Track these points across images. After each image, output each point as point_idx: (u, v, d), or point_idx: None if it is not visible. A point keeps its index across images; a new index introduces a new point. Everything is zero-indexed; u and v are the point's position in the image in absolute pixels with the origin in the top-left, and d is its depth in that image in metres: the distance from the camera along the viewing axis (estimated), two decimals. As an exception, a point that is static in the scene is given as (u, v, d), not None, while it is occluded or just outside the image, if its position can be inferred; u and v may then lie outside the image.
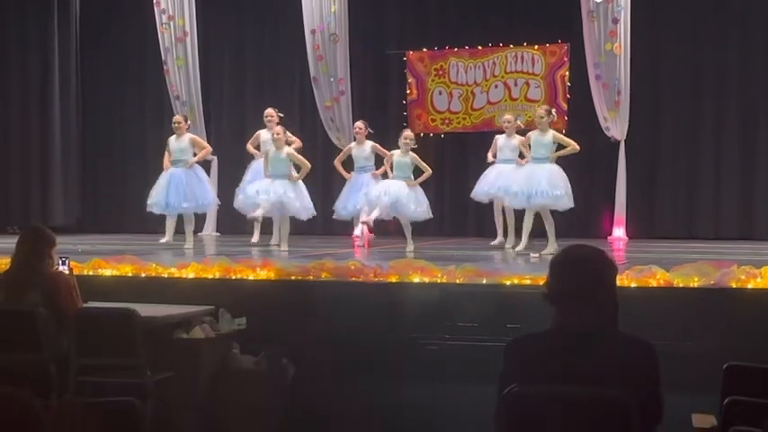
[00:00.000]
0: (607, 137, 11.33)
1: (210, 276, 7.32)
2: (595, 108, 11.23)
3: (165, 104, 12.87)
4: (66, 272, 6.05)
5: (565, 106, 12.26)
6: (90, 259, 7.71)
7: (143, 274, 7.49)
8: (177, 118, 10.61)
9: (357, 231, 10.94)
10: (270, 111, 10.90)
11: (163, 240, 10.28)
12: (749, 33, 11.64)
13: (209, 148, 10.87)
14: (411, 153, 9.90)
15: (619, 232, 11.29)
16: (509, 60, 12.49)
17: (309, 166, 10.16)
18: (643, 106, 11.58)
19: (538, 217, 9.55)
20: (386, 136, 12.66)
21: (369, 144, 10.75)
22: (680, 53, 11.80)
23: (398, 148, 9.89)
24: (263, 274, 7.25)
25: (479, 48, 12.60)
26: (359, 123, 10.90)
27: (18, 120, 13.62)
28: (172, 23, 12.39)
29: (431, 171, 10.05)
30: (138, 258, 7.81)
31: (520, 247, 9.49)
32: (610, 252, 7.74)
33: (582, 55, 11.29)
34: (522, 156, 9.87)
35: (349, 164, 10.93)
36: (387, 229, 10.71)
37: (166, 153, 10.43)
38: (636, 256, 8.79)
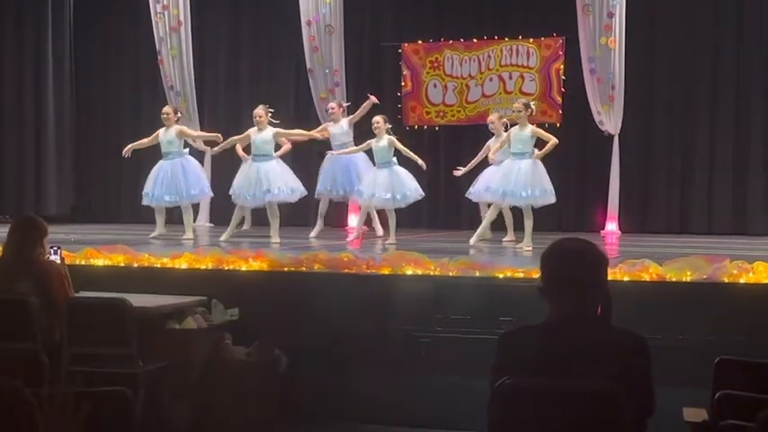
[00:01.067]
0: (601, 131, 11.33)
1: (203, 267, 7.32)
2: (589, 102, 11.23)
3: (160, 94, 12.82)
4: (58, 261, 6.05)
5: (559, 100, 12.26)
6: (82, 249, 7.69)
7: (135, 264, 7.49)
8: (166, 109, 10.58)
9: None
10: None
11: (153, 234, 10.28)
12: (744, 29, 11.64)
13: (204, 135, 10.97)
14: (387, 137, 9.90)
15: (612, 226, 11.31)
16: (504, 53, 12.48)
17: (290, 146, 10.44)
18: (637, 101, 11.58)
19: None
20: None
21: (344, 121, 10.81)
22: (674, 48, 11.80)
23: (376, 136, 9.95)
24: (255, 264, 7.25)
25: (474, 40, 12.59)
26: (332, 104, 10.94)
27: (12, 109, 13.57)
28: (166, 13, 12.34)
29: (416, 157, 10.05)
30: (130, 248, 7.79)
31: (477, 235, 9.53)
32: (602, 246, 7.74)
33: (577, 49, 11.29)
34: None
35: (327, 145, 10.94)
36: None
37: (146, 140, 10.46)
38: (629, 250, 8.80)
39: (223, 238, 9.89)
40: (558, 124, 12.18)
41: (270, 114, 10.28)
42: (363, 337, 6.59)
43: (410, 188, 9.98)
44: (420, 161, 10.01)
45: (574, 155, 12.11)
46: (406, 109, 12.88)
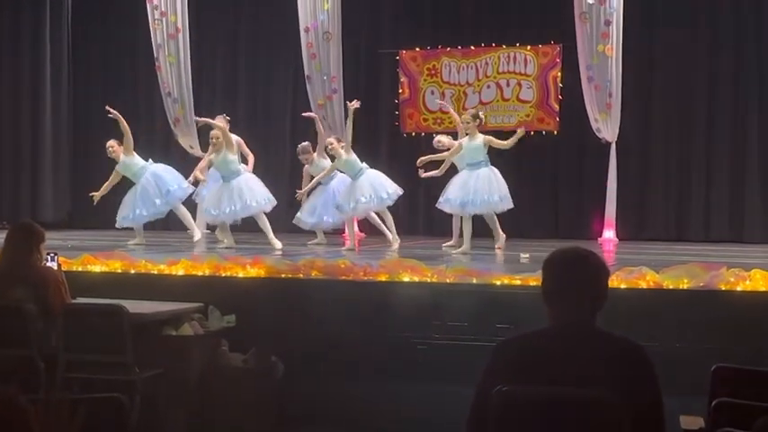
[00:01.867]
0: (598, 138, 11.34)
1: (200, 273, 7.32)
2: (587, 109, 11.23)
3: (157, 101, 12.83)
4: (55, 267, 6.04)
5: (556, 107, 12.27)
6: (79, 255, 7.69)
7: (132, 271, 7.48)
8: (111, 143, 10.66)
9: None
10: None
11: (133, 241, 10.33)
12: (741, 36, 11.66)
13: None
14: (345, 153, 9.93)
15: (609, 234, 11.30)
16: (501, 61, 12.49)
17: (252, 157, 10.48)
18: (634, 108, 11.60)
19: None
20: (378, 135, 12.70)
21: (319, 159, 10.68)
22: (672, 55, 11.82)
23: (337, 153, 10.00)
24: (253, 271, 7.25)
25: (472, 48, 12.61)
26: (302, 147, 10.76)
27: (8, 115, 13.57)
28: (164, 20, 12.34)
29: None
30: (127, 254, 7.79)
31: (461, 250, 9.54)
32: (600, 253, 7.74)
33: (574, 56, 11.30)
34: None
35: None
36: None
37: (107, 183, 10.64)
38: (626, 257, 8.80)
39: (226, 244, 9.89)
40: (555, 132, 12.20)
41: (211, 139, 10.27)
42: (360, 343, 6.58)
43: (389, 188, 10.06)
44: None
45: (571, 162, 12.12)
46: (404, 116, 12.88)
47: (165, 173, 10.70)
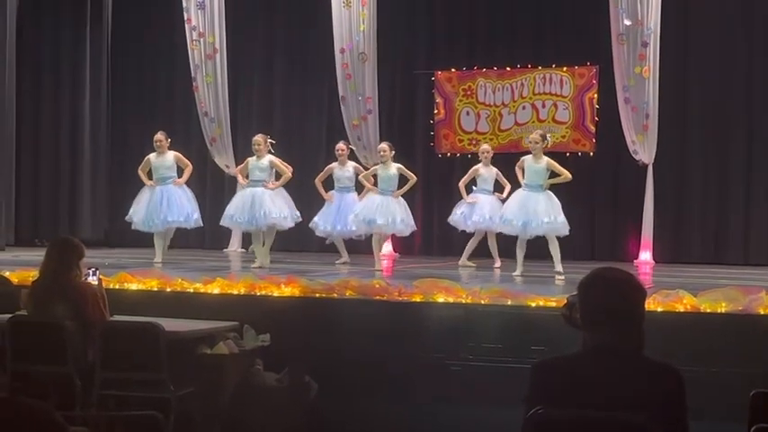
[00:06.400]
0: (635, 160, 11.27)
1: (235, 292, 7.35)
2: (624, 131, 11.17)
3: (194, 120, 12.96)
4: (95, 283, 6.07)
5: (593, 129, 12.22)
6: (116, 273, 7.76)
7: (168, 289, 7.53)
8: (158, 136, 10.68)
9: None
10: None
11: (157, 261, 10.32)
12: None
13: (191, 167, 10.89)
14: (394, 164, 9.94)
15: (646, 256, 11.21)
16: (537, 82, 12.47)
17: (290, 174, 10.41)
18: (672, 130, 11.52)
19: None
20: (413, 156, 12.71)
21: (351, 165, 10.88)
22: (709, 77, 11.74)
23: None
24: (287, 290, 7.27)
25: (507, 69, 12.60)
26: (340, 144, 11.01)
27: (49, 134, 13.75)
28: (202, 40, 12.48)
29: (416, 179, 10.15)
30: (163, 273, 7.84)
31: (517, 272, 9.37)
32: (637, 276, 7.68)
33: (611, 77, 11.25)
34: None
35: (329, 183, 11.01)
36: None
37: (141, 171, 10.66)
38: (663, 280, 8.72)
39: (260, 263, 9.92)
40: (591, 153, 12.14)
41: (270, 144, 10.41)
42: (394, 364, 6.57)
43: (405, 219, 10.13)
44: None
45: (608, 184, 12.05)
46: (439, 136, 12.89)
47: (192, 199, 10.75)
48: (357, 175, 10.75)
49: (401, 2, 12.58)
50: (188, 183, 10.79)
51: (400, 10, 12.58)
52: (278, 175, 10.43)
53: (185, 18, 12.51)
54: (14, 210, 13.15)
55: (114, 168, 14.05)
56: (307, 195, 11.40)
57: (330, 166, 11.01)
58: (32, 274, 6.59)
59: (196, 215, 10.66)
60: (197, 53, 12.53)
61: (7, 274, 7.50)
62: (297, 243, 11.86)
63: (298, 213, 10.51)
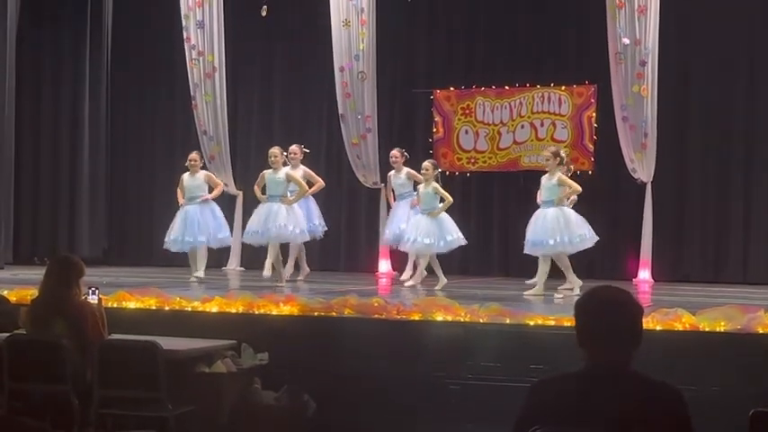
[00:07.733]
0: (633, 178, 11.28)
1: (234, 311, 7.34)
2: (622, 150, 11.18)
3: (193, 139, 12.97)
4: (95, 302, 6.07)
5: (591, 147, 12.23)
6: (114, 291, 7.75)
7: (167, 308, 7.52)
8: (193, 156, 10.83)
9: (404, 275, 10.78)
10: (293, 148, 10.89)
11: (197, 275, 10.40)
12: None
13: (222, 185, 11.10)
14: (433, 183, 9.97)
15: (644, 274, 11.20)
16: (536, 100, 12.50)
17: (307, 188, 10.39)
18: (670, 148, 11.53)
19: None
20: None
21: (405, 171, 10.85)
22: (707, 96, 11.77)
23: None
24: (286, 309, 7.25)
25: (506, 87, 12.63)
26: (394, 151, 10.99)
27: (48, 152, 13.78)
28: (201, 59, 12.51)
29: (451, 200, 10.11)
30: (161, 291, 7.83)
31: (532, 291, 9.25)
32: (635, 294, 7.67)
33: (609, 96, 11.27)
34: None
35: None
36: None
37: (179, 190, 10.73)
38: (662, 298, 8.71)
39: (278, 281, 9.86)
40: (590, 172, 12.15)
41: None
42: (393, 383, 6.55)
43: (452, 234, 10.03)
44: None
45: (606, 202, 12.05)
46: (438, 155, 12.89)
47: (218, 218, 10.83)
48: (411, 179, 10.72)
49: (400, 21, 12.62)
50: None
51: (399, 29, 12.63)
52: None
53: (185, 36, 12.52)
54: (13, 228, 13.14)
55: (113, 187, 14.06)
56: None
57: (388, 174, 11.09)
58: (31, 293, 6.59)
59: (220, 235, 10.76)
60: (196, 72, 12.56)
61: (6, 292, 7.50)
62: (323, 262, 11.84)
63: (323, 223, 10.59)
